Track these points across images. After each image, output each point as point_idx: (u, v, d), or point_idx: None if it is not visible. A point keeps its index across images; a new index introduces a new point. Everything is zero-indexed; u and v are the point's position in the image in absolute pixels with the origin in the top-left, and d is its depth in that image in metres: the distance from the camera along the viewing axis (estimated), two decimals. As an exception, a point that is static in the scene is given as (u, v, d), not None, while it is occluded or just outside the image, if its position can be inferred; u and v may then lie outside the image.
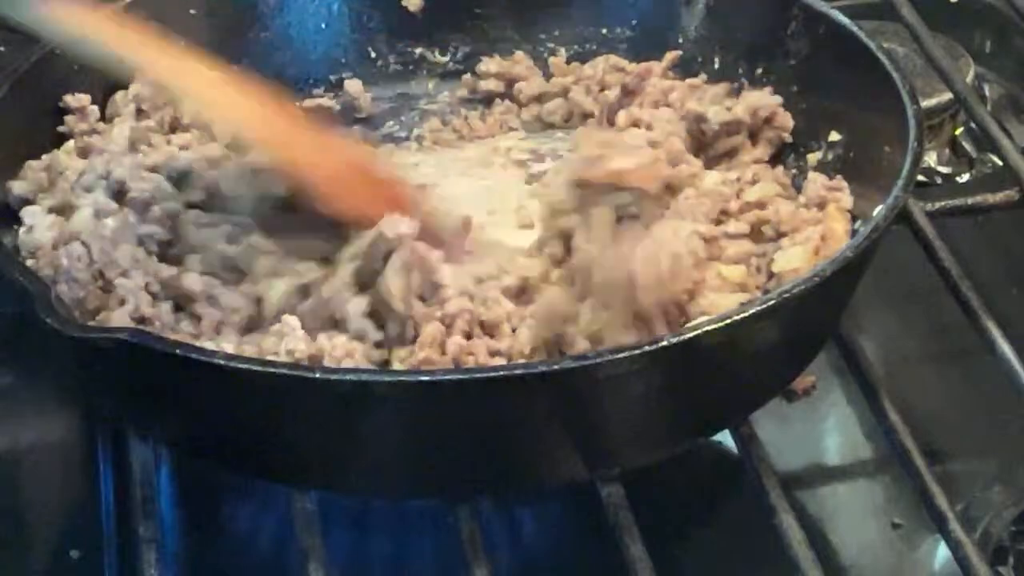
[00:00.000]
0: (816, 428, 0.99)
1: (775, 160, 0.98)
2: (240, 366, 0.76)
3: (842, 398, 0.98)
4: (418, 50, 1.10)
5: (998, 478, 0.94)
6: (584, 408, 0.79)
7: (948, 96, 1.13)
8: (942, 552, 0.87)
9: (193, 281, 0.85)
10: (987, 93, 1.25)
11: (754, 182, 0.94)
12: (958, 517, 0.83)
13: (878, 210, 0.84)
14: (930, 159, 1.19)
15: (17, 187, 0.91)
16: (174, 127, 0.99)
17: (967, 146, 1.22)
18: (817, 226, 0.89)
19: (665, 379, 0.79)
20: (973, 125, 1.17)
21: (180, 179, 0.91)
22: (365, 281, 0.85)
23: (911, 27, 1.12)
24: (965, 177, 1.21)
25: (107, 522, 0.91)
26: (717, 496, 0.93)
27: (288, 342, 0.82)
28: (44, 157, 0.94)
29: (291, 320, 0.83)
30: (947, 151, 1.21)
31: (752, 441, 0.86)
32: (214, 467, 0.90)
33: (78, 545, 0.90)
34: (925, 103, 1.09)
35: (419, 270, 0.85)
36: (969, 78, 1.18)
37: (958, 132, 1.22)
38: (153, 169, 0.92)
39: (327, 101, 1.08)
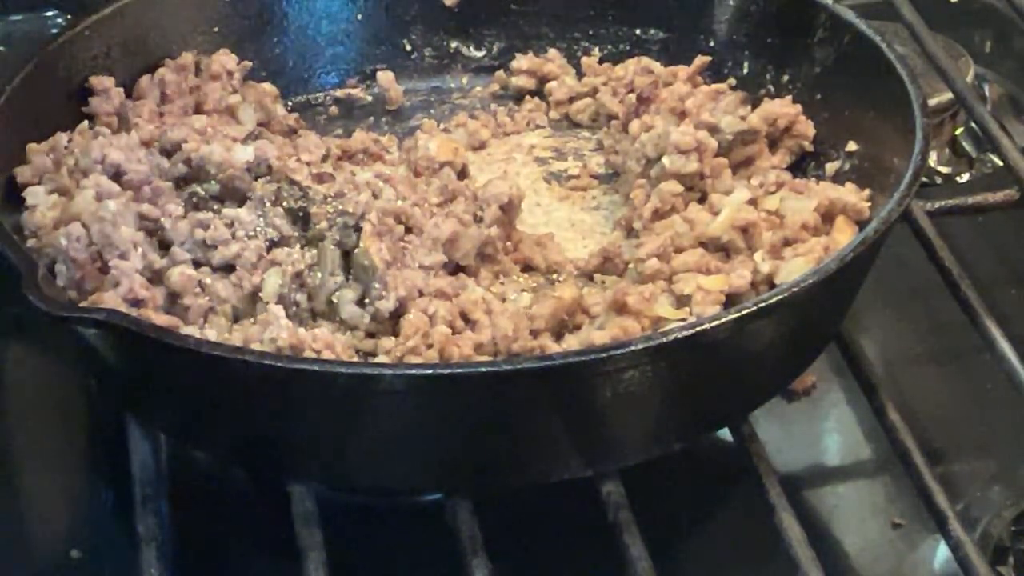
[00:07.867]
0: (816, 428, 0.99)
1: (794, 169, 0.98)
2: (209, 352, 0.77)
3: (842, 398, 0.98)
4: (453, 44, 1.11)
5: (998, 478, 0.94)
6: (582, 403, 0.79)
7: (948, 96, 1.13)
8: (942, 552, 0.87)
9: (177, 276, 0.85)
10: (987, 93, 1.25)
11: (779, 185, 0.94)
12: (958, 517, 0.83)
13: (873, 222, 0.84)
14: (930, 159, 1.19)
15: (21, 173, 0.91)
16: (198, 112, 0.99)
17: (967, 146, 1.22)
18: (821, 237, 0.89)
19: (664, 375, 0.79)
20: (973, 125, 1.17)
21: (173, 153, 0.91)
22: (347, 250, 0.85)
23: (911, 27, 1.12)
24: (965, 177, 1.21)
25: (107, 522, 0.91)
26: (717, 496, 0.93)
27: (271, 331, 0.82)
28: (48, 140, 0.93)
29: (276, 309, 0.83)
30: (947, 151, 1.21)
31: (752, 440, 0.86)
32: (211, 459, 0.91)
33: (78, 545, 0.90)
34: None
35: (389, 233, 0.86)
36: (969, 78, 1.18)
37: (958, 132, 1.22)
38: (148, 143, 0.91)
39: (358, 92, 1.08)
